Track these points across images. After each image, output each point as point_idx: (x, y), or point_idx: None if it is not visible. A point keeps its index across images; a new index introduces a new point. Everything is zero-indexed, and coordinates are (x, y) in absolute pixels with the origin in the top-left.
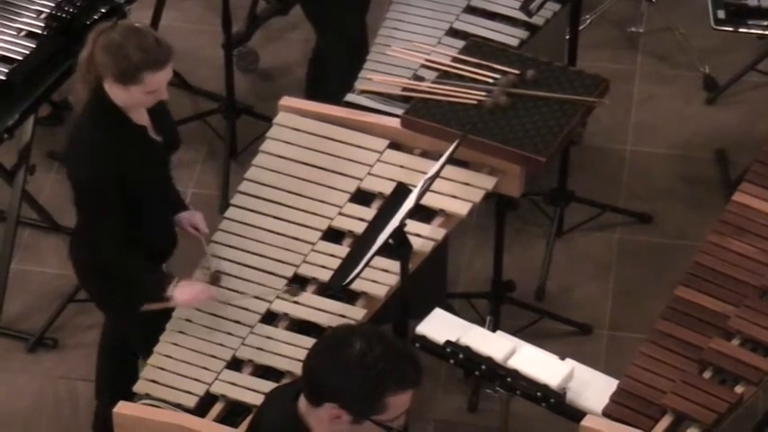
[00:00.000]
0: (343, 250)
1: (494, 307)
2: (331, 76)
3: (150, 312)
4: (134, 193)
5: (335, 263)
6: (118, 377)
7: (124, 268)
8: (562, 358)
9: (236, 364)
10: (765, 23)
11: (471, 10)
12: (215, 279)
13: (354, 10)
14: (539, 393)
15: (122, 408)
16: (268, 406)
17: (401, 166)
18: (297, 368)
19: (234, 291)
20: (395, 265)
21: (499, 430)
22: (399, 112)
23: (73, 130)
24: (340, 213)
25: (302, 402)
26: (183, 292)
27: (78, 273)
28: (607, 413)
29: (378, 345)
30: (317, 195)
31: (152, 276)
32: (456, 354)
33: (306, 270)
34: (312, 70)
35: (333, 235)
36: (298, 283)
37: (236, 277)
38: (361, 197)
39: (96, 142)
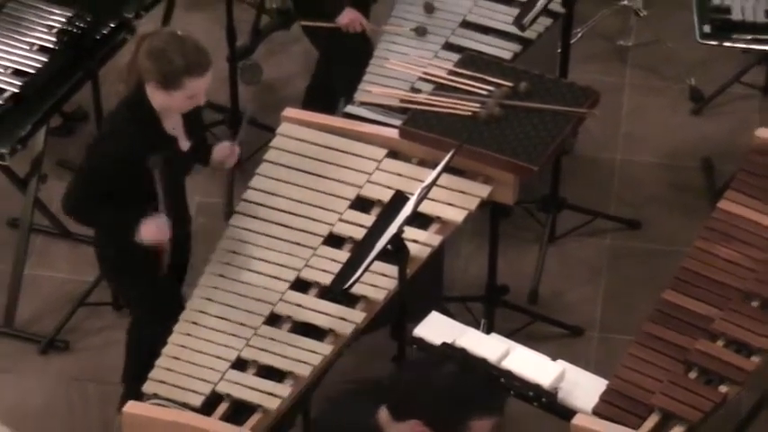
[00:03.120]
0: (343, 255)
1: (488, 310)
2: (336, 88)
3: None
4: (143, 190)
5: (336, 267)
6: (137, 363)
7: (98, 216)
8: (554, 359)
9: (240, 365)
10: (749, 37)
11: (466, 25)
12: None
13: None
14: (531, 393)
15: (131, 407)
16: (337, 413)
17: (399, 175)
18: (298, 369)
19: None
20: (393, 270)
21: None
22: (397, 122)
23: (107, 119)
24: (340, 220)
25: (383, 415)
26: (147, 229)
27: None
28: (597, 412)
29: (470, 371)
30: (319, 202)
31: (121, 217)
32: (452, 355)
33: (308, 274)
34: (311, 82)
35: (334, 240)
36: (300, 287)
37: (240, 282)
38: (361, 204)
39: (126, 132)
